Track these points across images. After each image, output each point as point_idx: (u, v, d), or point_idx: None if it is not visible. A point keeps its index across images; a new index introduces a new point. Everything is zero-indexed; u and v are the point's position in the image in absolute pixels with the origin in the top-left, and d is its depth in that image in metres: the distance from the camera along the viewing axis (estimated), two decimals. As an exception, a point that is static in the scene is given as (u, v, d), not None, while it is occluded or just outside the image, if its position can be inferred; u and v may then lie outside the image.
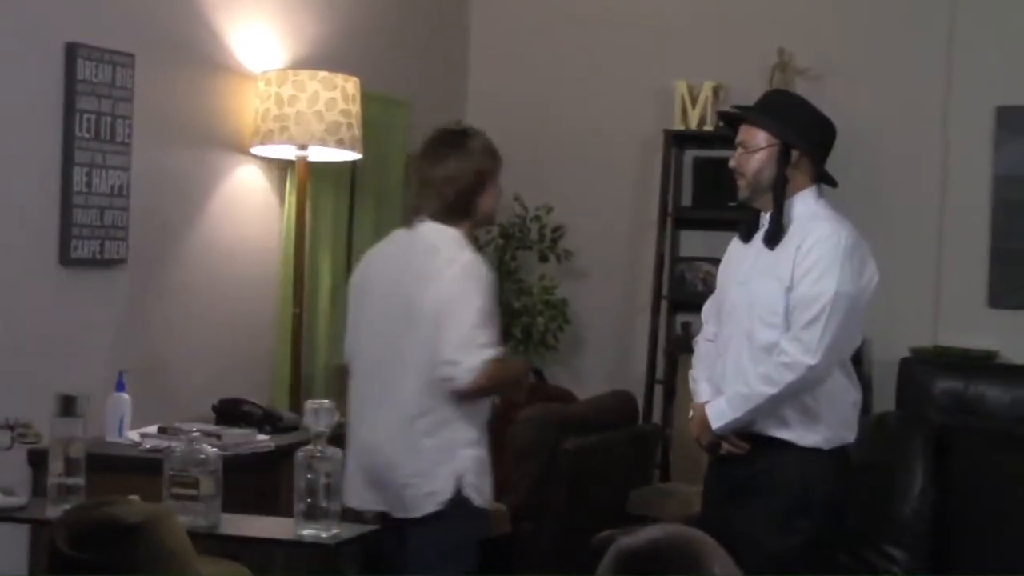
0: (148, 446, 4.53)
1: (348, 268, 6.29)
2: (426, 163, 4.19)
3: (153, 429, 4.66)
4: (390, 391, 4.06)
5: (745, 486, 3.94)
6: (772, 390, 3.83)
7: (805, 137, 3.99)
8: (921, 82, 6.73)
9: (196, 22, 5.37)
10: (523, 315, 6.96)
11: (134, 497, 3.05)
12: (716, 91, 6.90)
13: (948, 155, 6.70)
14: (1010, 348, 6.52)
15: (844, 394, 3.92)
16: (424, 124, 6.73)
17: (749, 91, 6.82)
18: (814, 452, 3.86)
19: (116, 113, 4.89)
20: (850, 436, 3.92)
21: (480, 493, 4.03)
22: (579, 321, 7.19)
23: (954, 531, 4.34)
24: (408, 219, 4.33)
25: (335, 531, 3.50)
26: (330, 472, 3.48)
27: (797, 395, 3.85)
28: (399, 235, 4.30)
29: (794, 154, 3.97)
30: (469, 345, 3.91)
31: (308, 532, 3.48)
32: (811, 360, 3.79)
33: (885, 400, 6.53)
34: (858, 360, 6.60)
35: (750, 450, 3.93)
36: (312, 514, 3.48)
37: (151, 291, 5.18)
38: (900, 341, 6.55)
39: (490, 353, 3.94)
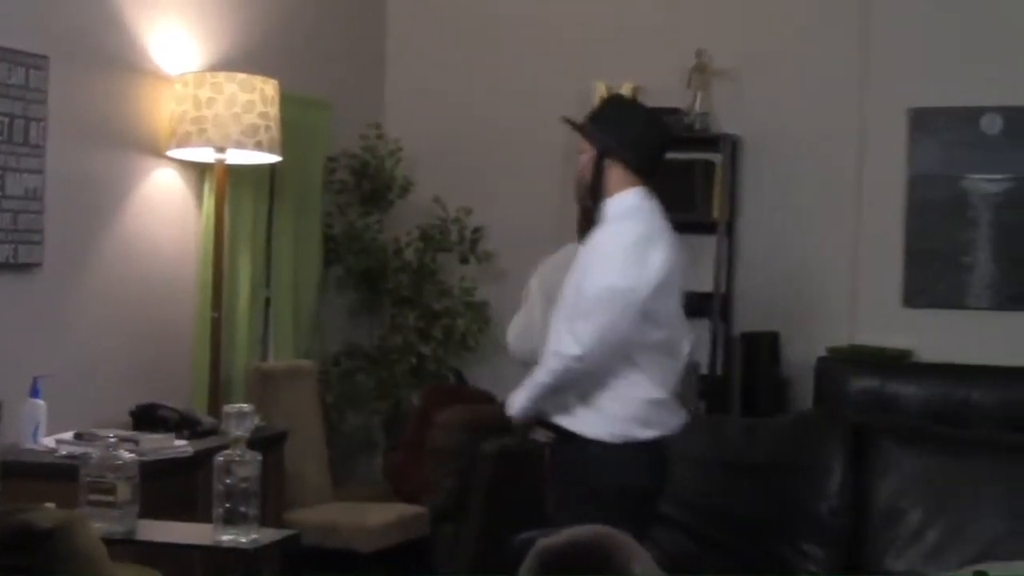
0: (64, 452, 4.48)
1: (267, 271, 6.27)
2: None
3: (69, 435, 4.61)
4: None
5: (547, 473, 4.08)
6: (546, 379, 3.95)
7: (620, 143, 4.06)
8: (836, 84, 6.81)
9: (112, 24, 5.31)
10: (443, 317, 6.96)
11: (49, 504, 3.01)
12: (635, 92, 6.93)
13: (863, 156, 6.78)
14: (924, 347, 6.61)
15: (633, 389, 3.94)
16: (343, 125, 6.76)
17: (668, 92, 6.90)
18: (597, 444, 3.92)
19: (29, 115, 4.82)
20: (641, 432, 3.93)
21: None
22: (499, 323, 7.18)
23: (871, 528, 4.39)
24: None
25: (254, 536, 3.48)
26: (248, 476, 3.46)
27: (571, 384, 3.93)
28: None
29: (607, 160, 4.06)
30: None
31: (227, 537, 3.46)
32: (577, 350, 3.86)
33: (802, 399, 6.61)
34: (775, 359, 6.72)
35: (555, 438, 4.04)
36: (231, 519, 3.46)
37: (67, 295, 5.12)
38: (817, 340, 6.62)
39: None
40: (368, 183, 6.96)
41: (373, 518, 5.77)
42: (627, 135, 4.08)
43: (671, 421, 4.04)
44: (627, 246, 3.93)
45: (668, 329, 4.03)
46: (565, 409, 3.98)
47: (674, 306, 4.08)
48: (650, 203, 4.09)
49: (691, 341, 4.16)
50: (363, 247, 6.89)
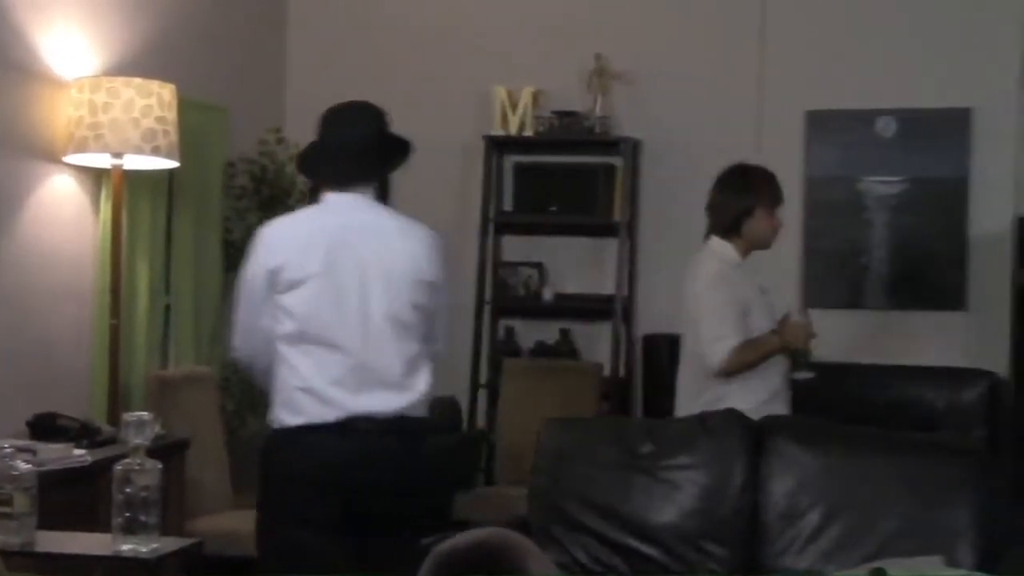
0: (-41, 463, 4.39)
1: (167, 277, 6.21)
2: None
3: (-36, 446, 4.52)
4: None
5: None
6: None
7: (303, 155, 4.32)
8: (734, 87, 6.88)
9: (4, 27, 5.23)
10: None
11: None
12: (536, 96, 6.96)
13: (761, 158, 6.82)
14: (824, 347, 6.67)
15: (289, 377, 4.00)
16: (243, 130, 6.71)
17: (568, 96, 6.94)
18: (268, 429, 4.12)
19: (-80, 121, 4.74)
20: (291, 419, 4.01)
21: None
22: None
23: (771, 527, 4.43)
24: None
25: (155, 545, 3.44)
26: (149, 485, 3.42)
27: (257, 374, 4.23)
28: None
29: None
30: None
31: (127, 547, 3.42)
32: (237, 342, 4.22)
33: (704, 400, 6.65)
34: (677, 361, 6.76)
35: None
36: (131, 528, 3.42)
37: (-39, 304, 5.04)
38: (718, 341, 6.67)
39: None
40: (267, 188, 6.92)
41: (276, 525, 5.72)
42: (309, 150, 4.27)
43: (321, 411, 3.99)
44: (258, 237, 4.13)
45: (306, 322, 3.99)
46: None
47: (341, 300, 4.01)
48: (342, 199, 4.13)
49: (375, 335, 4.05)
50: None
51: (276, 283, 4.00)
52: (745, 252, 5.05)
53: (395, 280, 4.04)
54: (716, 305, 4.92)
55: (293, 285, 3.99)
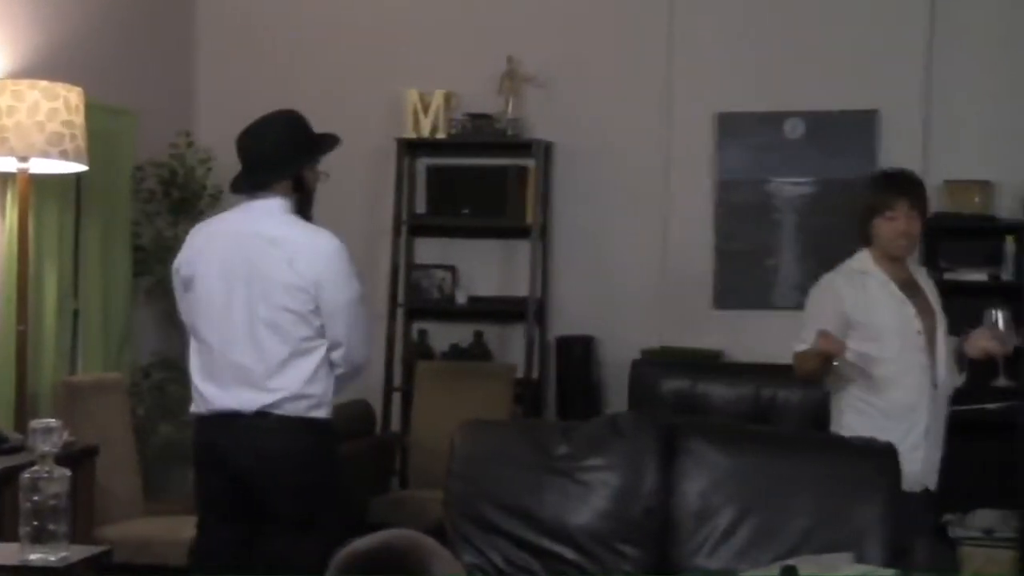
0: None
1: (75, 282, 6.13)
2: None
3: None
4: None
5: None
6: None
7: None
8: (645, 90, 6.92)
9: (-94, 29, 5.15)
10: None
11: None
12: (448, 99, 6.96)
13: (672, 160, 6.90)
14: (734, 347, 6.75)
15: (190, 369, 4.46)
16: (152, 133, 6.64)
17: (480, 99, 6.95)
18: None
19: None
20: (193, 407, 4.46)
21: None
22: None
23: (684, 527, 4.46)
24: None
25: (64, 554, 3.41)
26: (57, 493, 3.38)
27: None
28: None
29: None
30: None
31: (35, 556, 3.38)
32: None
33: (617, 401, 6.69)
34: (590, 362, 6.79)
35: None
36: (39, 537, 3.38)
37: None
38: (631, 343, 6.71)
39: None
40: (177, 192, 6.85)
41: (187, 532, 5.66)
42: None
43: (199, 403, 4.40)
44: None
45: (192, 319, 4.41)
46: None
47: (214, 301, 4.32)
48: (249, 206, 4.43)
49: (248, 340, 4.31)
50: (173, 257, 6.76)
51: (180, 281, 4.43)
52: (879, 259, 4.75)
53: (269, 285, 4.24)
54: (807, 310, 4.82)
55: (187, 284, 4.39)
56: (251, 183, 4.39)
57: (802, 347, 4.70)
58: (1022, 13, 6.53)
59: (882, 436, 4.49)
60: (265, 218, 4.34)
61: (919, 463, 4.63)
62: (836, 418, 4.83)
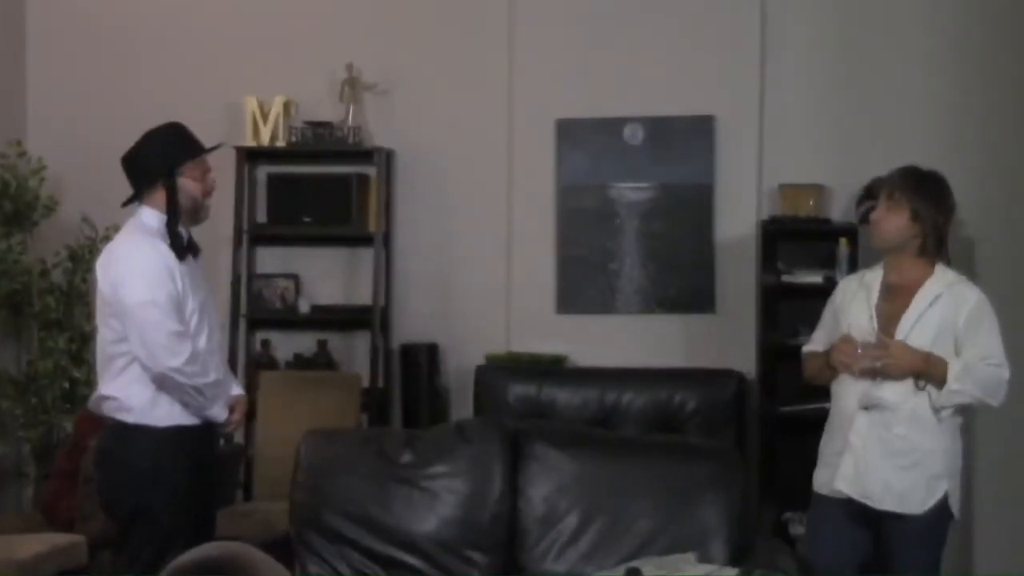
0: None
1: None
2: None
3: None
4: None
5: None
6: None
7: None
8: (485, 97, 6.93)
9: None
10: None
11: None
12: (287, 106, 6.90)
13: (513, 167, 6.92)
14: (578, 352, 6.80)
15: None
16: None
17: (320, 106, 6.90)
18: None
19: None
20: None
21: None
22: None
23: (531, 532, 4.47)
24: None
25: None
26: None
27: None
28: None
29: None
30: None
31: None
32: None
33: (463, 407, 6.69)
34: (435, 369, 6.79)
35: None
36: None
37: None
38: (476, 349, 6.73)
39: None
40: (10, 203, 6.69)
41: (24, 550, 5.55)
42: None
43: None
44: None
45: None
46: None
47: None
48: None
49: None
50: (5, 270, 6.63)
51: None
52: (888, 259, 4.62)
53: (103, 297, 4.60)
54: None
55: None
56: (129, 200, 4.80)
57: (810, 347, 4.75)
58: (853, 22, 6.68)
59: (825, 446, 4.55)
60: (120, 234, 4.76)
61: (850, 468, 4.45)
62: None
